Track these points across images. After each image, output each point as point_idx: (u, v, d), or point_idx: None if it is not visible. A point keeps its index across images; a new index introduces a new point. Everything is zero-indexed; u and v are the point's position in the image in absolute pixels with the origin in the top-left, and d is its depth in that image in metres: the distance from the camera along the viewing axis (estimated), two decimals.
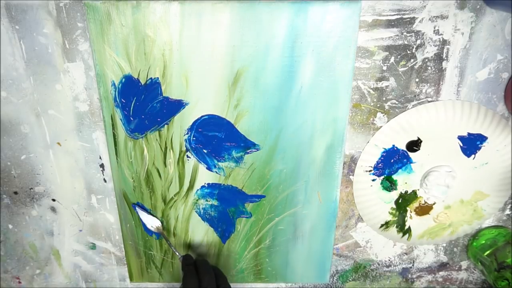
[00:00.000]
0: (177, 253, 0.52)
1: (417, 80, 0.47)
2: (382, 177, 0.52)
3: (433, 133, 0.49)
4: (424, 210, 0.54)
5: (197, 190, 0.52)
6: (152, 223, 0.53)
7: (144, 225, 0.53)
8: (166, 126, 0.48)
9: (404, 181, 0.52)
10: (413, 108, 0.48)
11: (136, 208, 0.53)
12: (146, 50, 0.44)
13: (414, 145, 0.50)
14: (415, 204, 0.54)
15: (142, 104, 0.47)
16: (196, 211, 0.53)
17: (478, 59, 0.46)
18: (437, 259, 0.58)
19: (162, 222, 0.53)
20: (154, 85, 0.46)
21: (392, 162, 0.51)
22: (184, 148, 0.49)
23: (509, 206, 0.55)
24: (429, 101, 0.48)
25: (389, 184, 0.52)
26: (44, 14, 0.44)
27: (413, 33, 0.44)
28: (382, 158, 0.50)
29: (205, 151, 0.49)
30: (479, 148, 0.50)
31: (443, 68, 0.46)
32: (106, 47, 0.44)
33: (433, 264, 0.59)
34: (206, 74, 0.45)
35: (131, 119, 0.48)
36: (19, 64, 0.46)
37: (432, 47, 0.45)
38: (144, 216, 0.53)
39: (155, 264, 0.57)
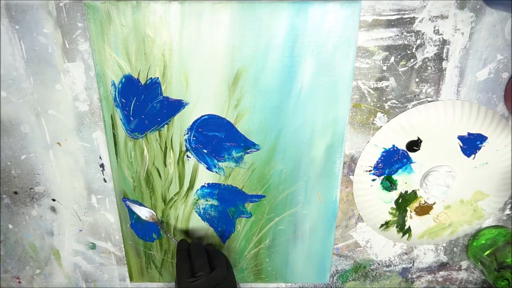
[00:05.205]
0: (173, 240, 0.52)
1: (417, 80, 0.47)
2: (382, 177, 0.52)
3: (433, 133, 0.49)
4: (424, 210, 0.54)
5: (197, 190, 0.52)
6: (146, 213, 0.53)
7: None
8: (166, 126, 0.48)
9: (404, 181, 0.52)
10: (413, 108, 0.48)
11: (127, 202, 0.52)
12: (146, 50, 0.44)
13: (414, 145, 0.50)
14: (415, 204, 0.54)
15: (142, 104, 0.47)
16: (196, 211, 0.53)
17: (478, 59, 0.46)
18: (437, 259, 0.58)
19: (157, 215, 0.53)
20: (154, 85, 0.46)
21: (392, 162, 0.51)
22: (184, 148, 0.49)
23: (509, 206, 0.55)
24: (429, 101, 0.48)
25: (389, 184, 0.52)
26: (44, 14, 0.44)
27: (413, 33, 0.44)
28: (382, 158, 0.50)
29: (205, 151, 0.49)
30: (479, 148, 0.50)
31: (443, 68, 0.46)
32: (106, 47, 0.44)
33: (433, 264, 0.59)
34: (206, 74, 0.45)
35: (131, 119, 0.48)
36: (19, 64, 0.46)
37: (432, 47, 0.45)
38: (137, 209, 0.52)
39: (155, 264, 0.57)
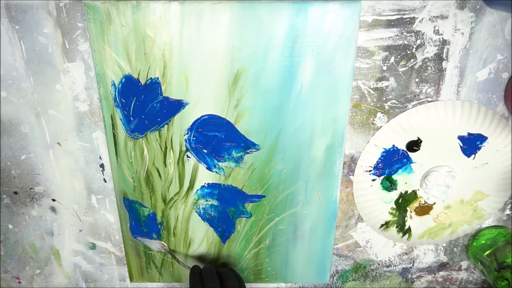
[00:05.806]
0: (186, 267, 0.53)
1: (417, 80, 0.47)
2: (382, 177, 0.52)
3: (433, 133, 0.49)
4: (424, 210, 0.54)
5: (197, 190, 0.52)
6: (158, 245, 0.54)
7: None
8: (166, 126, 0.48)
9: (404, 181, 0.52)
10: (413, 108, 0.48)
11: (139, 238, 0.54)
12: (146, 50, 0.44)
13: (414, 145, 0.50)
14: (415, 204, 0.54)
15: (142, 104, 0.47)
16: (196, 211, 0.53)
17: (478, 59, 0.46)
18: (437, 259, 0.58)
19: (165, 244, 0.55)
20: (154, 85, 0.46)
21: (392, 162, 0.51)
22: (184, 148, 0.49)
23: (509, 206, 0.55)
24: (429, 101, 0.48)
25: (389, 184, 0.52)
26: (44, 14, 0.44)
27: (413, 33, 0.44)
28: (382, 158, 0.50)
29: (205, 151, 0.49)
30: (479, 148, 0.50)
31: (443, 68, 0.46)
32: (106, 47, 0.44)
33: (433, 264, 0.59)
34: (206, 74, 0.45)
35: (131, 119, 0.48)
36: (19, 64, 0.46)
37: (432, 47, 0.45)
38: (148, 242, 0.54)
39: (155, 264, 0.57)
